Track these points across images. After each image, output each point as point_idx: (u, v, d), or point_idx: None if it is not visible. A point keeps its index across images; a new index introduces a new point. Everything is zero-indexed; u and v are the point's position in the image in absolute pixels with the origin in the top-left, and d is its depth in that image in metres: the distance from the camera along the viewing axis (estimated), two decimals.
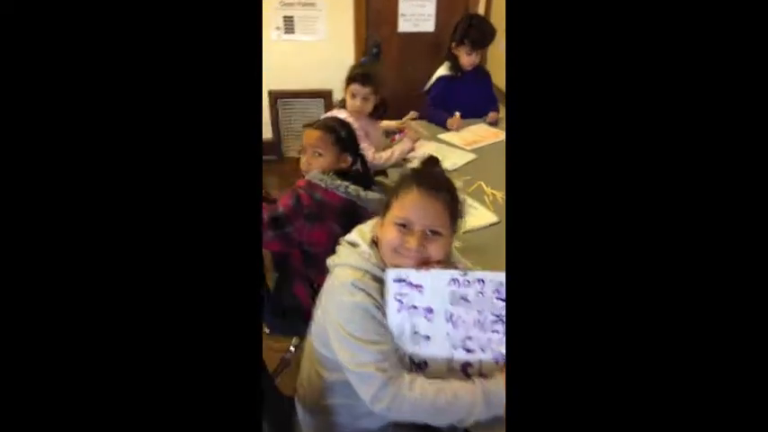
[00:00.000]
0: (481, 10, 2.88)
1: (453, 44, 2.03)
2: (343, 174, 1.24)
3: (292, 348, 1.44)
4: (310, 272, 1.24)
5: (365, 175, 1.33)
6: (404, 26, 2.89)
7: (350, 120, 1.43)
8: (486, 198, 1.44)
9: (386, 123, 1.88)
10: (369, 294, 0.81)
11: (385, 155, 1.67)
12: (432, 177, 0.87)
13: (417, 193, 0.83)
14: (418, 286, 0.82)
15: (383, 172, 1.68)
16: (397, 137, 1.82)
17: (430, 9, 2.87)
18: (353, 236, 0.91)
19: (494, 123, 2.07)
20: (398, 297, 0.82)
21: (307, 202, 1.17)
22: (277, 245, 1.19)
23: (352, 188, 1.20)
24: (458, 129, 1.98)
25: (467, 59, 2.01)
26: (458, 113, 2.01)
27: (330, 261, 0.91)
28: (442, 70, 2.08)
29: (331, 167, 1.24)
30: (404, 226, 0.82)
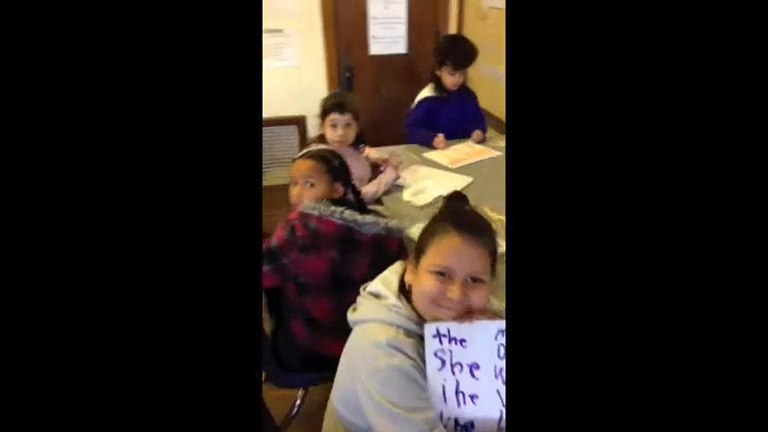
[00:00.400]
0: (452, 30, 2.86)
1: (436, 66, 1.99)
2: (335, 201, 1.19)
3: (298, 401, 1.32)
4: (306, 301, 1.17)
5: (358, 203, 1.26)
6: (375, 49, 2.84)
7: None
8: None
9: (369, 152, 1.80)
10: (406, 355, 0.71)
11: (371, 188, 1.59)
12: (471, 219, 0.79)
13: (458, 239, 0.74)
14: (462, 341, 0.73)
15: (378, 201, 1.59)
16: (381, 168, 1.75)
17: (400, 31, 2.83)
18: (377, 286, 0.81)
19: (480, 142, 2.02)
20: (439, 354, 0.72)
21: (301, 232, 1.10)
22: (272, 279, 1.12)
23: (348, 213, 1.14)
24: (443, 148, 1.93)
25: (450, 80, 1.98)
26: (441, 134, 1.96)
27: (351, 317, 0.81)
28: (426, 92, 2.03)
29: (323, 197, 1.19)
30: (443, 274, 0.73)
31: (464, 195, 0.89)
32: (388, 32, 2.81)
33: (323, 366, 1.11)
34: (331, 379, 0.85)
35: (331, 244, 1.12)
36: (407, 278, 0.79)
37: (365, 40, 2.80)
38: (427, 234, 0.78)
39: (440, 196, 1.51)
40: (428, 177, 1.73)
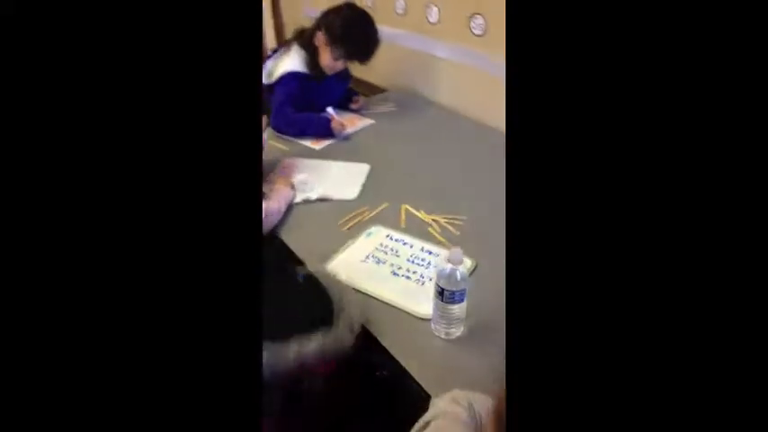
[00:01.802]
0: None
1: (317, 35, 1.56)
2: None
3: None
4: None
5: None
6: None
7: None
8: (431, 230, 1.15)
9: None
10: None
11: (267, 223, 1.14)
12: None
13: None
14: None
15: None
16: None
17: None
18: None
19: (358, 109, 1.76)
20: None
21: None
22: None
23: None
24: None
25: (331, 64, 1.58)
26: (330, 110, 1.59)
27: None
28: (294, 64, 1.58)
29: None
30: None
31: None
32: None
33: None
34: None
35: None
36: None
37: None
38: None
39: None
40: (315, 170, 1.37)
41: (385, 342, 0.86)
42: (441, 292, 0.81)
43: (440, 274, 0.81)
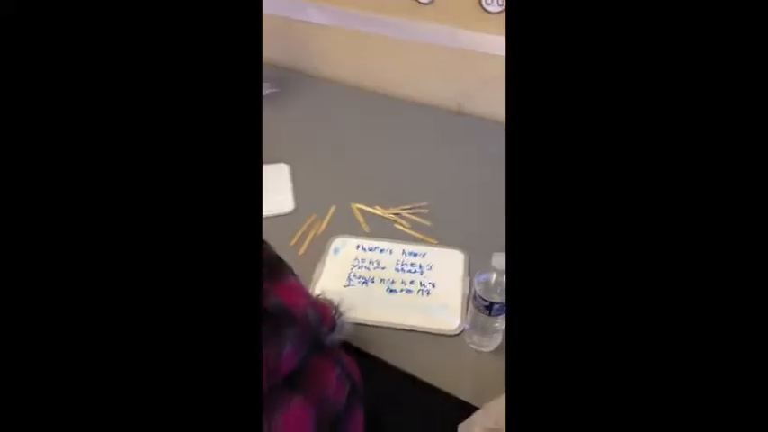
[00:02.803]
0: None
1: None
2: None
3: None
4: None
5: None
6: None
7: None
8: (399, 227, 1.01)
9: None
10: None
11: None
12: None
13: None
14: None
15: None
16: None
17: None
18: None
19: None
20: None
21: None
22: None
23: None
24: None
25: None
26: None
27: None
28: None
29: None
30: None
31: None
32: None
33: None
34: None
35: None
36: None
37: None
38: None
39: None
40: None
41: (408, 367, 0.74)
42: (489, 306, 0.69)
43: (487, 288, 0.69)
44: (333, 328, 0.65)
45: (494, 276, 0.69)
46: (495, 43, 1.29)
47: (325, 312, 0.64)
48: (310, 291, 0.85)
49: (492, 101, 1.38)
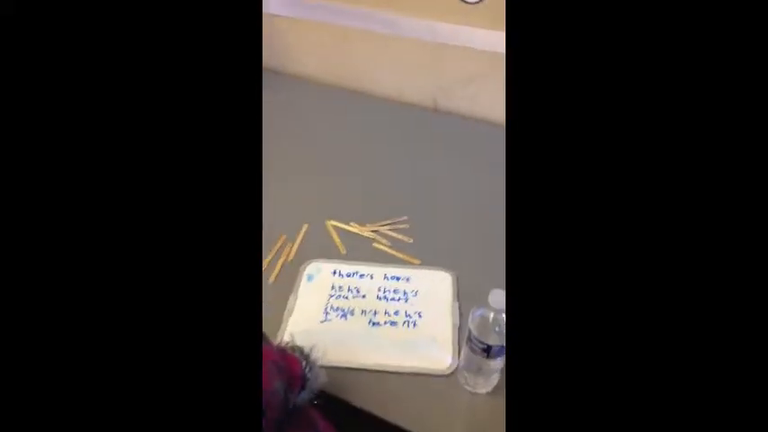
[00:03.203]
0: None
1: None
2: None
3: None
4: None
5: None
6: None
7: None
8: (377, 246, 0.91)
9: None
10: None
11: None
12: None
13: None
14: None
15: None
16: None
17: None
18: None
19: None
20: None
21: None
22: None
23: None
24: None
25: None
26: None
27: None
28: None
29: None
30: None
31: None
32: None
33: None
34: None
35: None
36: None
37: None
38: None
39: None
40: None
41: (394, 416, 0.65)
42: (487, 350, 0.61)
43: (483, 328, 0.61)
44: (303, 386, 0.56)
45: (491, 315, 0.61)
46: (477, 37, 1.20)
47: (294, 371, 0.56)
48: (282, 330, 0.75)
49: (473, 97, 1.29)
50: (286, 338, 0.73)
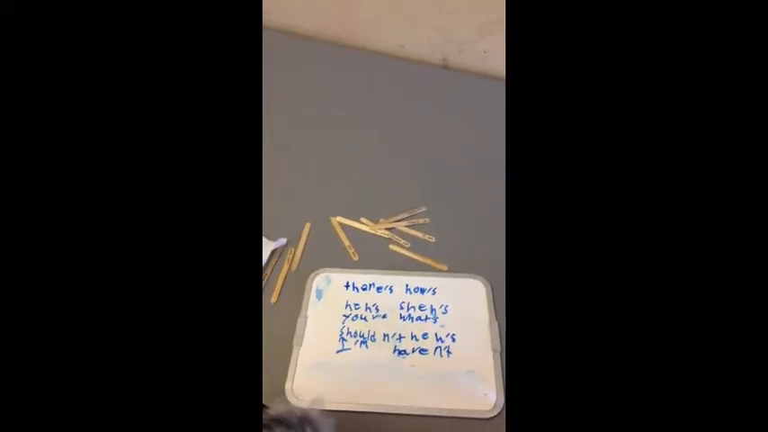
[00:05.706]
0: None
1: None
2: None
3: None
4: None
5: None
6: None
7: None
8: (394, 248, 0.78)
9: None
10: None
11: None
12: None
13: None
14: None
15: None
16: None
17: None
18: None
19: None
20: None
21: None
22: None
23: None
24: None
25: None
26: None
27: None
28: None
29: None
30: None
31: None
32: None
33: None
34: None
35: None
36: None
37: None
38: None
39: None
40: None
41: None
42: None
43: None
44: None
45: None
46: None
47: None
48: (291, 367, 0.63)
49: (486, 51, 1.12)
50: (294, 388, 0.61)
